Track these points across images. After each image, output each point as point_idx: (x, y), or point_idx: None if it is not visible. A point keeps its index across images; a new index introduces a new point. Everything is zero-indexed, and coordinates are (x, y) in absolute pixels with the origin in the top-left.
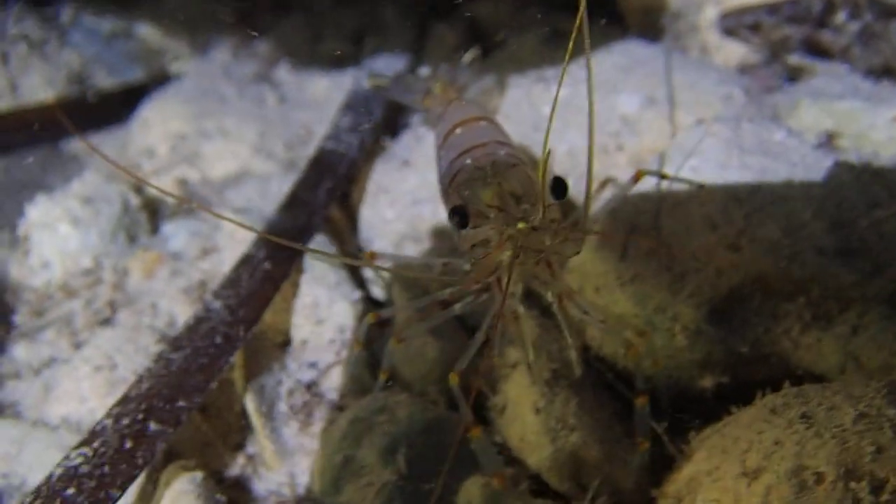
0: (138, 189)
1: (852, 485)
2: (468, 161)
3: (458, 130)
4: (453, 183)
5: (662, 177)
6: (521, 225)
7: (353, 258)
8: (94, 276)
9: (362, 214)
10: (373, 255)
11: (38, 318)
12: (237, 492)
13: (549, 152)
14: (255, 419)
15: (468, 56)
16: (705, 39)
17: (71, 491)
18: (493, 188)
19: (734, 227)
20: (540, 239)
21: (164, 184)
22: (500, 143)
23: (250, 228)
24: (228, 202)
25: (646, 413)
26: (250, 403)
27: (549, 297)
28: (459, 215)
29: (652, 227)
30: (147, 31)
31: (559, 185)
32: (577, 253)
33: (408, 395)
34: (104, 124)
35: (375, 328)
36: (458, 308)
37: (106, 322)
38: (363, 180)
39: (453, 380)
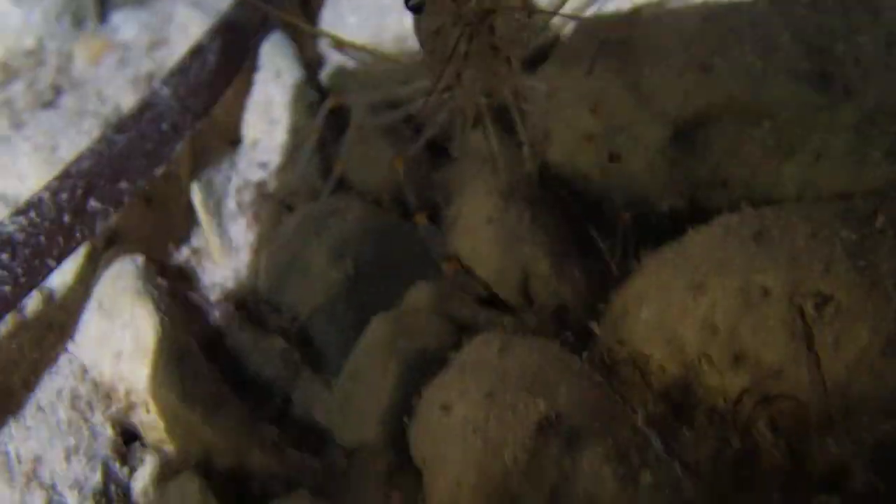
0: None
1: (798, 300)
2: None
3: None
4: None
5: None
6: (472, 6)
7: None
8: (36, 58)
9: (323, 18)
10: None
11: None
12: (180, 281)
13: None
14: (202, 213)
15: None
16: None
17: (4, 256)
18: None
19: (707, 46)
20: (490, 21)
21: None
22: None
23: None
24: None
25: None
26: (197, 197)
27: (504, 92)
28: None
29: (623, 42)
30: None
31: None
32: (527, 42)
33: (360, 199)
34: None
35: (331, 130)
36: (418, 104)
37: (48, 105)
38: None
39: (398, 164)
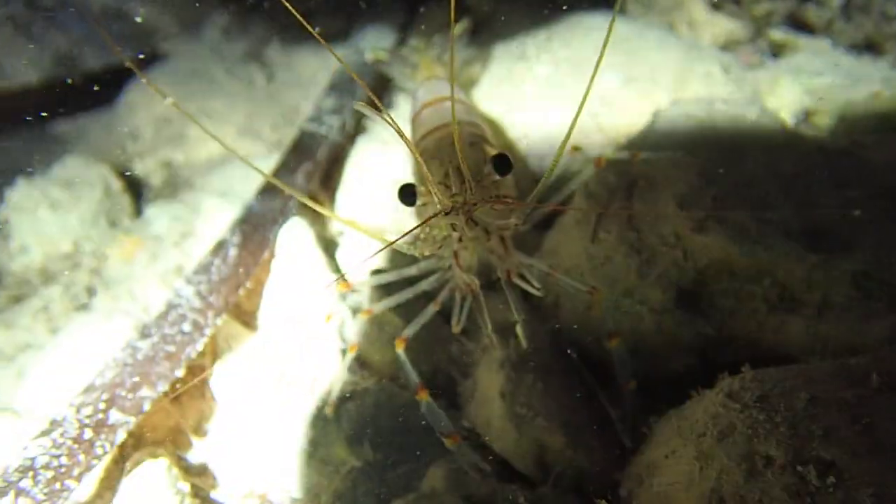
0: (121, 173)
1: (800, 468)
2: (429, 142)
3: (424, 112)
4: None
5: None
6: (456, 197)
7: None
8: (73, 261)
9: (341, 195)
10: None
11: (16, 302)
12: (204, 478)
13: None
14: (225, 405)
15: (458, 28)
16: (692, 15)
17: (26, 482)
18: (442, 167)
19: (702, 209)
20: (476, 211)
21: (148, 166)
22: (462, 124)
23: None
24: (210, 185)
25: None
26: (219, 387)
27: (499, 272)
28: (405, 193)
29: (623, 208)
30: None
31: (501, 162)
32: (519, 226)
33: (376, 381)
34: (91, 106)
35: (346, 310)
36: (425, 284)
37: (82, 307)
38: (344, 160)
39: (399, 346)
